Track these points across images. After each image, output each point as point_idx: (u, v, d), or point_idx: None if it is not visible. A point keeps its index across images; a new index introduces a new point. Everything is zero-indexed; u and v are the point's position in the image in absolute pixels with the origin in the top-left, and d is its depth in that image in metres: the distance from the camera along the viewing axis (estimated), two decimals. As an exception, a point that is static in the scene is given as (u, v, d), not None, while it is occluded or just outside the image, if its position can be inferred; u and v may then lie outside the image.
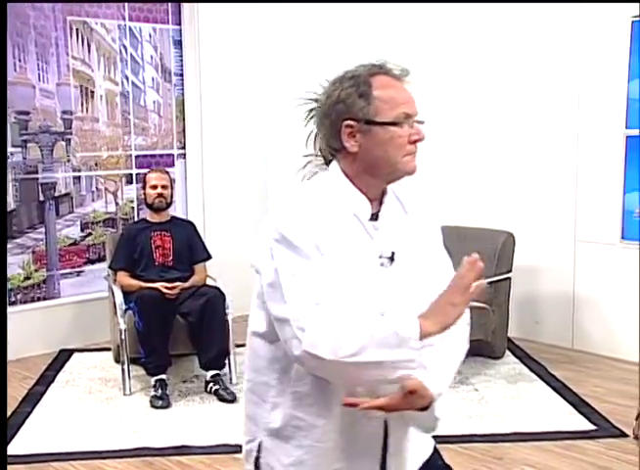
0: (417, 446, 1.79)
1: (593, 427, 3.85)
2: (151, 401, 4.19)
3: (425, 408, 1.59)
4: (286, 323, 1.55)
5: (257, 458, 1.75)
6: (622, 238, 4.86)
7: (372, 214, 1.69)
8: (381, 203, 1.70)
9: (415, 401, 1.56)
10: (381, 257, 1.66)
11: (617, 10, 4.74)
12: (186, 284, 4.50)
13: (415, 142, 1.65)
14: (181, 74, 5.82)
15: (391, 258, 1.66)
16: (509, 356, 4.89)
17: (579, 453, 3.54)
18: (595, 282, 5.03)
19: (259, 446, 1.74)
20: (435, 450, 1.85)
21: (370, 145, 1.63)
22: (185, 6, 5.71)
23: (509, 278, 4.87)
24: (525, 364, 4.78)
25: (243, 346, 5.34)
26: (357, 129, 1.63)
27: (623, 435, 3.73)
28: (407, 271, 1.68)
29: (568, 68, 5.04)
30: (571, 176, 5.09)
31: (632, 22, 4.68)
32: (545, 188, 5.21)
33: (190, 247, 4.70)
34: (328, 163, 5.96)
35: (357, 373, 1.53)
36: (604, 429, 3.81)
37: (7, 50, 4.94)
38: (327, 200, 1.64)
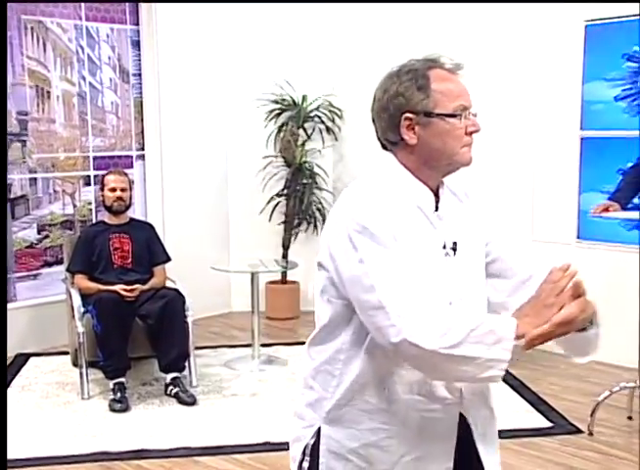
0: (494, 433, 1.81)
1: (550, 424, 3.91)
2: (109, 405, 4.15)
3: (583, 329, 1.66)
4: (380, 311, 1.53)
5: (315, 445, 1.72)
6: (578, 238, 4.94)
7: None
8: (437, 194, 1.74)
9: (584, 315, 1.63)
10: (444, 247, 1.69)
11: (572, 13, 4.82)
12: (145, 286, 4.47)
13: (472, 133, 1.69)
14: (139, 75, 5.78)
15: (454, 248, 1.70)
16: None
17: (536, 450, 3.60)
18: (552, 281, 5.10)
19: (317, 432, 1.72)
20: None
21: (429, 137, 1.67)
22: (143, 6, 5.67)
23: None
24: (484, 363, 4.82)
25: (203, 348, 5.38)
26: (416, 122, 1.66)
27: (579, 431, 3.79)
28: (469, 260, 1.72)
29: (524, 70, 5.11)
30: (528, 177, 5.16)
31: (586, 25, 4.76)
32: (502, 189, 5.28)
33: (149, 249, 4.67)
34: (288, 164, 5.94)
35: (450, 367, 1.53)
36: (560, 426, 3.87)
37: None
38: (393, 192, 1.66)
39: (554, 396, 4.29)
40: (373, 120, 1.74)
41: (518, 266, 1.80)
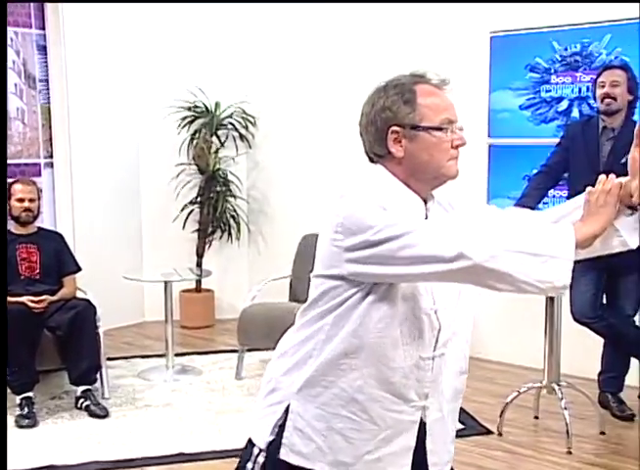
0: (448, 449, 1.82)
1: (461, 426, 3.98)
2: (16, 421, 4.02)
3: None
4: (430, 244, 1.55)
5: (282, 422, 1.72)
6: (487, 243, 5.07)
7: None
8: (426, 204, 1.77)
9: None
10: None
11: (477, 25, 4.96)
12: (54, 297, 4.36)
13: (458, 147, 1.74)
14: (46, 80, 5.63)
15: None
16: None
17: (448, 452, 3.66)
18: (462, 286, 5.22)
19: (286, 410, 1.72)
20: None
21: (416, 150, 1.71)
22: (49, 9, 5.53)
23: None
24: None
25: (115, 359, 5.28)
26: (403, 135, 1.71)
27: (489, 432, 3.89)
28: None
29: (433, 79, 5.21)
30: (439, 184, 5.26)
31: (491, 37, 4.91)
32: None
33: (58, 259, 4.56)
34: (202, 171, 5.86)
35: (514, 266, 1.52)
36: (471, 427, 3.96)
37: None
38: (389, 198, 1.67)
39: (464, 398, 4.36)
40: (361, 134, 1.78)
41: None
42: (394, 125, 1.70)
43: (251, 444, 1.77)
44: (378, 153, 1.75)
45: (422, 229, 1.58)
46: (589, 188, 1.69)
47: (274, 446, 1.72)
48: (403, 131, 1.70)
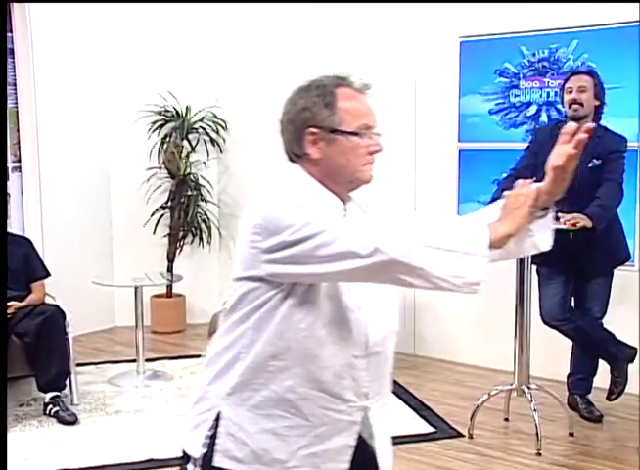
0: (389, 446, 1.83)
1: (432, 429, 4.01)
2: (-17, 429, 3.97)
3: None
4: (343, 241, 1.54)
5: (215, 429, 1.70)
6: (457, 247, 5.10)
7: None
8: (344, 204, 1.78)
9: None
10: None
11: (447, 30, 5.00)
12: (22, 303, 4.31)
13: (374, 153, 1.75)
14: (14, 84, 5.57)
15: None
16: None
17: (420, 455, 3.68)
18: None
19: (217, 416, 1.70)
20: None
21: (332, 153, 1.71)
22: (15, 11, 5.46)
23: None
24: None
25: (85, 365, 5.22)
26: (320, 137, 1.71)
27: (459, 435, 3.91)
28: None
29: (405, 84, 5.24)
30: (410, 188, 5.29)
31: (460, 42, 4.95)
32: (385, 199, 5.38)
33: (26, 264, 4.51)
34: (173, 176, 5.82)
35: (428, 257, 1.52)
36: (442, 430, 3.98)
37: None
38: (307, 199, 1.66)
39: (436, 401, 4.41)
40: (280, 133, 1.79)
41: None
42: (313, 127, 1.71)
43: (185, 456, 1.75)
44: (296, 152, 1.75)
45: (338, 226, 1.57)
46: (507, 191, 1.72)
47: (208, 454, 1.70)
48: (321, 133, 1.70)
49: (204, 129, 6.04)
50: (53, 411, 4.15)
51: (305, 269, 1.58)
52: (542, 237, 1.82)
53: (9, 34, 5.51)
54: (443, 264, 1.54)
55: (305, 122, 1.71)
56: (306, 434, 1.69)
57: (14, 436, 3.94)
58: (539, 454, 3.65)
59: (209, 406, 1.72)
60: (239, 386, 1.69)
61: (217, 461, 1.69)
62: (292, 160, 1.78)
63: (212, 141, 6.08)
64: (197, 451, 1.71)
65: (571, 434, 3.88)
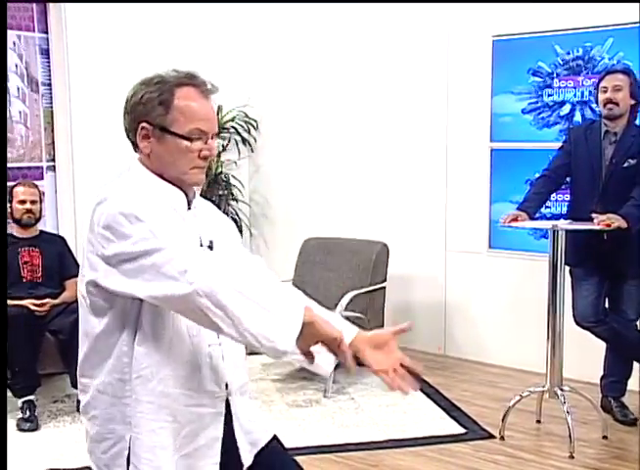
0: (259, 427, 1.86)
1: (463, 430, 3.98)
2: (18, 425, 4.02)
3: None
4: (166, 267, 1.53)
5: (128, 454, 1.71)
6: (490, 247, 5.07)
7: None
8: (187, 197, 1.78)
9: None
10: (201, 244, 1.74)
11: (480, 29, 4.96)
12: (56, 300, 4.36)
13: (205, 158, 1.72)
14: (49, 84, 5.64)
15: (210, 246, 1.76)
16: (384, 365, 4.99)
17: (450, 456, 3.66)
18: (464, 290, 5.23)
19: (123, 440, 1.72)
20: (275, 437, 1.91)
21: (161, 151, 1.72)
22: (51, 12, 5.53)
23: (384, 287, 4.98)
24: (400, 372, 4.89)
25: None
26: (151, 133, 1.72)
27: (491, 436, 3.88)
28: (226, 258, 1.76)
29: (437, 83, 5.22)
30: (441, 188, 5.27)
31: (493, 40, 4.91)
32: (416, 200, 5.37)
33: (60, 262, 4.56)
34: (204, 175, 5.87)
35: (246, 307, 1.50)
36: (473, 431, 3.96)
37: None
38: (148, 194, 1.68)
39: (466, 402, 4.38)
40: (123, 118, 1.79)
41: None
42: (145, 122, 1.71)
43: None
44: (132, 142, 1.78)
45: (170, 248, 1.54)
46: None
47: None
48: (152, 130, 1.71)
49: (235, 129, 6.06)
50: (86, 408, 4.19)
51: (131, 284, 1.57)
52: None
53: (44, 35, 5.58)
54: (257, 319, 1.50)
55: (139, 116, 1.72)
56: (177, 435, 1.70)
57: (48, 432, 3.99)
58: (572, 457, 3.61)
59: (112, 443, 1.75)
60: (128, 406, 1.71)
61: None
62: (135, 148, 1.80)
63: (244, 140, 6.10)
64: None
65: (605, 437, 3.83)
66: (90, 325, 1.72)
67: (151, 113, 1.70)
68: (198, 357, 1.69)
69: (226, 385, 1.75)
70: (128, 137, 1.78)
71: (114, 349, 1.68)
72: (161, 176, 1.74)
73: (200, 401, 1.70)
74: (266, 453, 1.84)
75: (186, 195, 1.77)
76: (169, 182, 1.74)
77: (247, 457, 1.81)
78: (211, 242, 1.76)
